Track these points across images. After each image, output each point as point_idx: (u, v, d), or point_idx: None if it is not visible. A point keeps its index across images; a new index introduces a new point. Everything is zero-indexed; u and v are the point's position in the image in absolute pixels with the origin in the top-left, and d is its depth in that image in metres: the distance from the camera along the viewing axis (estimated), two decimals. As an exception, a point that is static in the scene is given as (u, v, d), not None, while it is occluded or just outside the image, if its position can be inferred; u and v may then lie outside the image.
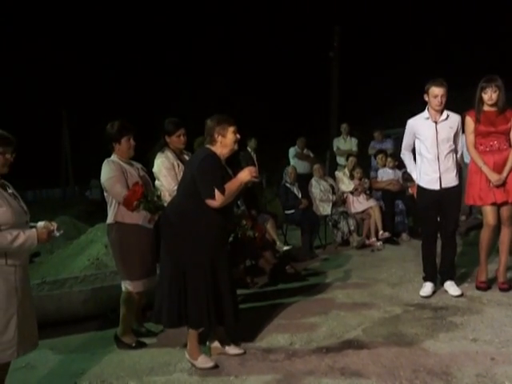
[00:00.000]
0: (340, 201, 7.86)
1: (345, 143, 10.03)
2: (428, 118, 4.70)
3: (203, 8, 27.90)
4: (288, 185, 7.72)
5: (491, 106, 4.56)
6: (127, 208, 3.82)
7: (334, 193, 7.90)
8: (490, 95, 4.52)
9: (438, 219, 4.81)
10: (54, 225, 2.99)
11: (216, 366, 3.54)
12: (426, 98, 4.65)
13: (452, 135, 4.67)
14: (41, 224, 2.97)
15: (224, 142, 3.58)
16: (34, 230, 2.92)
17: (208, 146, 3.61)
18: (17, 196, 3.03)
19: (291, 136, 10.66)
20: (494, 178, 4.53)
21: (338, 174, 8.33)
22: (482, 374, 3.15)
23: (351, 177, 7.95)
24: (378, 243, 7.42)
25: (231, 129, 3.58)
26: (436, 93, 4.55)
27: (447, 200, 4.69)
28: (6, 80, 25.16)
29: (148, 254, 4.03)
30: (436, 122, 4.66)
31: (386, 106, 20.76)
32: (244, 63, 25.70)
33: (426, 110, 4.72)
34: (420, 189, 4.81)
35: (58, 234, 2.98)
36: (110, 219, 4.07)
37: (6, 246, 2.82)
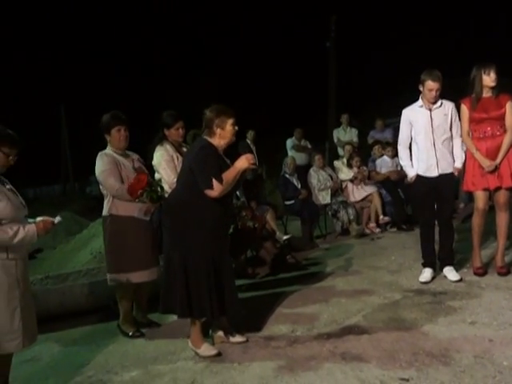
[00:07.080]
0: (339, 190, 7.90)
1: (345, 134, 9.96)
2: (422, 106, 4.73)
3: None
4: (287, 176, 7.76)
5: (490, 89, 4.55)
6: (131, 195, 3.66)
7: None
8: (494, 77, 4.50)
9: (435, 206, 4.86)
10: (52, 218, 3.07)
11: (219, 354, 3.60)
12: (421, 89, 4.67)
13: (447, 122, 4.70)
14: (39, 219, 3.06)
15: (223, 134, 3.60)
16: (33, 224, 2.99)
17: (205, 136, 3.64)
18: (15, 191, 3.09)
19: (289, 127, 10.66)
20: (486, 163, 4.56)
21: (337, 163, 8.37)
22: (480, 355, 3.20)
23: (349, 166, 7.98)
24: (377, 229, 7.48)
25: (230, 121, 3.59)
26: (431, 87, 4.57)
27: (443, 186, 4.73)
28: (3, 77, 25.17)
29: (145, 246, 4.05)
30: (430, 110, 4.69)
31: (384, 95, 20.73)
32: (241, 55, 25.70)
33: (420, 99, 4.75)
34: (417, 176, 4.84)
35: (57, 221, 3.07)
36: (104, 211, 4.11)
37: (7, 241, 2.88)
